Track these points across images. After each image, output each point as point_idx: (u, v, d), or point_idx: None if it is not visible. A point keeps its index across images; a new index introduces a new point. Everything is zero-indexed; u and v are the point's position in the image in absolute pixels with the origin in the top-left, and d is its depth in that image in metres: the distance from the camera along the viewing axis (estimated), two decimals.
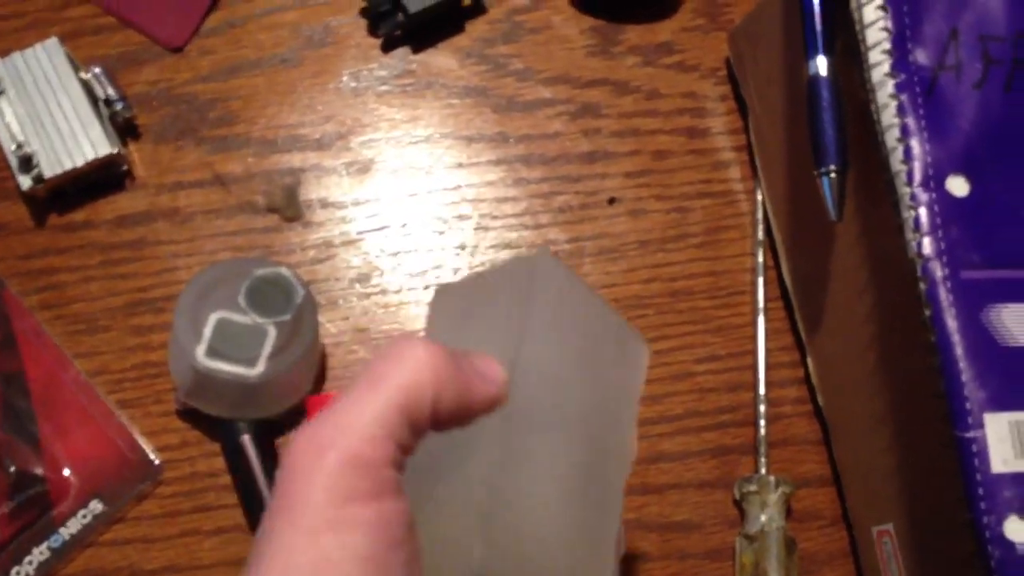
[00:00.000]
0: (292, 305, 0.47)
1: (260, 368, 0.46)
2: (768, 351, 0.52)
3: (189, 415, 0.50)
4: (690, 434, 0.51)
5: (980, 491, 0.36)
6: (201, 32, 0.55)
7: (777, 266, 0.53)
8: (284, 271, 0.48)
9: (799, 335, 0.52)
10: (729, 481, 0.50)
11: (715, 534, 0.50)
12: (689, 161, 0.55)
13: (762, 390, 0.51)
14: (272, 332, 0.47)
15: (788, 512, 0.49)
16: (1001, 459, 0.36)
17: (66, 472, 0.48)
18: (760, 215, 0.53)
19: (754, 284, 0.53)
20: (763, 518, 0.48)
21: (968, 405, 0.36)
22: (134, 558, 0.49)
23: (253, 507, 0.48)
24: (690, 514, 0.50)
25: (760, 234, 0.53)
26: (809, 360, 0.51)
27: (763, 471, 0.50)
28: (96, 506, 0.48)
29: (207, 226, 0.53)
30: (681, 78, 0.56)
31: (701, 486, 0.51)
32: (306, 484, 0.27)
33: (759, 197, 0.54)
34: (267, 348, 0.46)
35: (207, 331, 0.46)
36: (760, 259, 0.53)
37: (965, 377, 0.37)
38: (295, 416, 0.49)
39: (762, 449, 0.50)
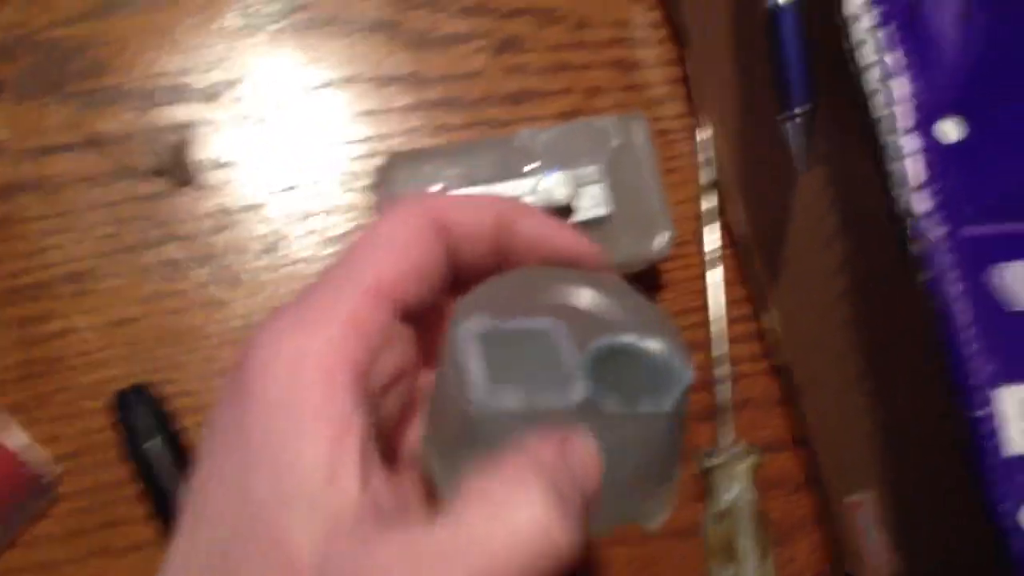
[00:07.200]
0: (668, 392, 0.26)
1: None
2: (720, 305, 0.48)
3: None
4: None
5: (994, 476, 0.32)
6: None
7: (726, 211, 0.49)
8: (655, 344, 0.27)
9: (752, 286, 0.48)
10: (689, 451, 0.47)
11: (679, 510, 0.46)
12: (622, 98, 0.50)
13: (722, 349, 0.47)
14: None
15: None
16: (1016, 438, 0.33)
17: None
18: (703, 157, 0.49)
19: (699, 232, 0.49)
20: (731, 494, 0.44)
21: (976, 381, 0.33)
22: None
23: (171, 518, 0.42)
24: None
25: (703, 177, 0.49)
26: (770, 313, 0.47)
27: (727, 441, 0.46)
28: None
29: (82, 197, 0.45)
30: (610, 3, 0.51)
31: None
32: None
33: (700, 137, 0.49)
34: None
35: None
36: (706, 205, 0.49)
37: (972, 349, 0.33)
38: None
39: (724, 416, 0.46)
